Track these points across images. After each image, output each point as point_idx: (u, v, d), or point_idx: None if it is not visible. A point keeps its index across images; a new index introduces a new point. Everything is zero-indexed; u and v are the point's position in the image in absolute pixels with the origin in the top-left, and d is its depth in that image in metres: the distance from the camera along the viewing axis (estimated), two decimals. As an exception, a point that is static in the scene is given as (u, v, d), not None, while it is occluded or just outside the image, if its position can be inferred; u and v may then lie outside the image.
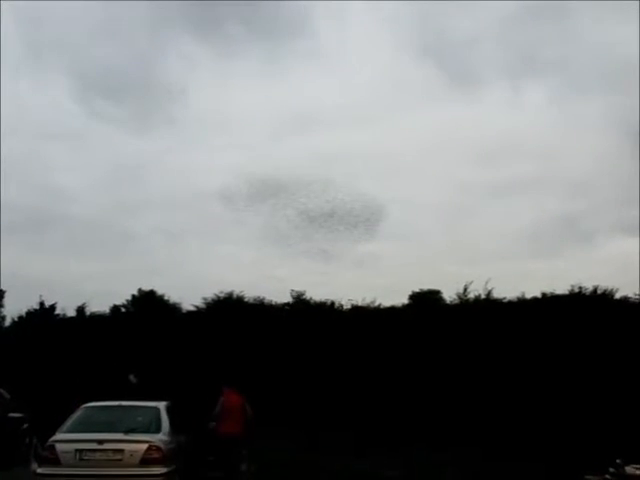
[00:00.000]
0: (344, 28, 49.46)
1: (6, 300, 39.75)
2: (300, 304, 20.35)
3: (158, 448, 9.53)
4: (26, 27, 52.01)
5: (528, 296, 17.55)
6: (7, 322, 31.28)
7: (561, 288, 17.22)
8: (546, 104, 46.22)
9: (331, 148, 45.52)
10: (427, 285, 20.69)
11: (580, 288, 17.10)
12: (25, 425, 15.55)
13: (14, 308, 36.88)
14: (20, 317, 25.08)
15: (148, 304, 23.16)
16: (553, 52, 46.63)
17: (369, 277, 35.65)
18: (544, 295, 17.27)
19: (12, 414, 14.90)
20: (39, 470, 9.52)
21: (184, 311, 22.09)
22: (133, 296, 25.10)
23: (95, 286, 40.02)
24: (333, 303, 20.09)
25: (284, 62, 51.68)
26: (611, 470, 9.45)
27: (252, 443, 11.76)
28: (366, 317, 18.77)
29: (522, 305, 17.33)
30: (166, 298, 23.22)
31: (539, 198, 43.98)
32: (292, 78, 51.15)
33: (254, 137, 48.89)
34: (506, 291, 17.87)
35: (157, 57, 53.02)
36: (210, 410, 11.63)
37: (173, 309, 22.43)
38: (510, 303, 17.62)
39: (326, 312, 19.77)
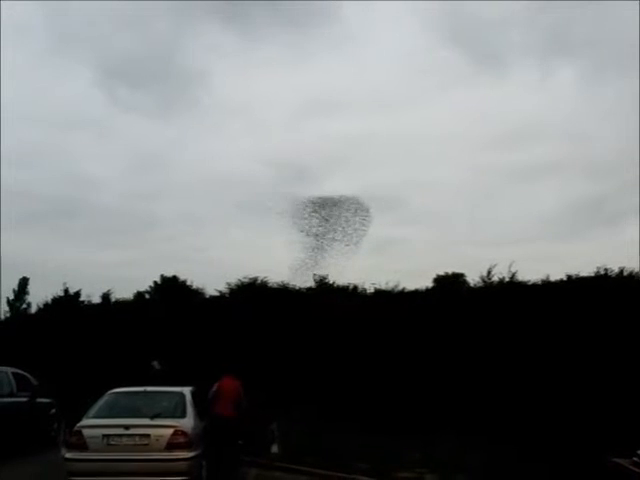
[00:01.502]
0: (369, 13, 49.17)
1: (30, 287, 40.40)
2: (323, 288, 20.35)
3: (184, 433, 9.62)
4: (51, 18, 52.39)
5: (553, 279, 17.38)
6: (33, 309, 31.77)
7: (587, 270, 17.05)
8: (574, 85, 45.72)
9: (354, 133, 45.55)
10: (451, 268, 20.61)
11: (606, 270, 16.90)
12: (53, 410, 15.78)
13: (39, 295, 37.43)
14: (46, 304, 25.36)
15: (171, 290, 23.29)
16: (582, 33, 45.97)
17: (392, 261, 35.68)
18: (569, 277, 17.09)
19: (40, 399, 15.11)
20: (67, 455, 9.63)
21: (207, 296, 22.19)
22: (155, 282, 25.28)
23: (119, 272, 40.54)
24: (356, 287, 20.07)
25: (308, 48, 51.69)
26: (639, 452, 9.34)
27: (246, 426, 11.86)
28: (390, 301, 18.71)
29: (547, 288, 17.15)
30: (189, 284, 23.35)
31: (565, 180, 43.68)
32: (316, 63, 51.20)
33: (277, 122, 49.00)
34: (531, 274, 17.74)
35: (181, 44, 53.23)
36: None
37: (196, 294, 22.53)
38: (535, 286, 17.44)
39: (349, 296, 19.75)
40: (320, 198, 22.96)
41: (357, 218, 22.54)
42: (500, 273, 17.95)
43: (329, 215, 22.69)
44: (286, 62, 51.96)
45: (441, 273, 20.13)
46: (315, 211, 22.68)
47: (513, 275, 17.77)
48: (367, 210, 22.83)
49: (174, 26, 53.61)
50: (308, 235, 22.46)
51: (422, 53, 49.38)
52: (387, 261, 36.71)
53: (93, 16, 52.08)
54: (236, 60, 54.12)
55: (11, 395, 14.03)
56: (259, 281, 21.03)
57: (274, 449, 13.27)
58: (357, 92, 51.07)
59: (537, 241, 39.72)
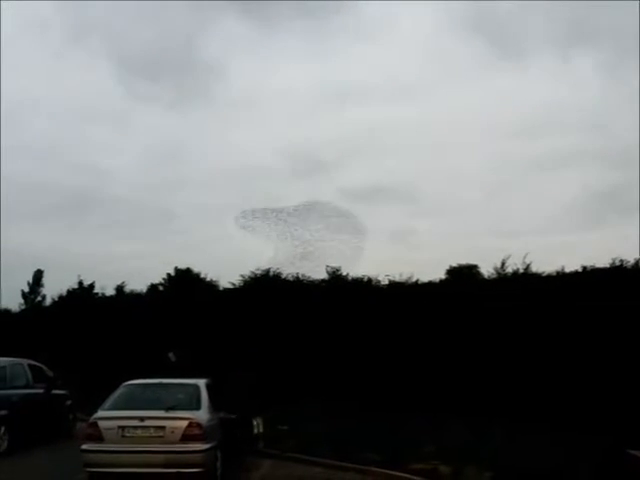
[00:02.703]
0: (388, 2, 48.80)
1: (45, 279, 40.60)
2: (337, 280, 20.34)
3: (199, 425, 9.64)
4: (68, 11, 52.49)
5: (569, 270, 17.26)
6: (47, 301, 32.01)
7: (602, 261, 16.90)
8: (594, 74, 45.19)
9: (370, 123, 45.40)
10: (465, 260, 20.55)
11: (621, 261, 16.75)
12: (68, 402, 15.89)
13: (54, 287, 37.65)
14: (60, 296, 25.55)
15: (185, 282, 23.38)
16: (603, 22, 45.38)
17: (406, 252, 35.59)
18: (584, 268, 16.95)
19: (56, 391, 15.22)
20: (83, 446, 9.70)
21: (221, 289, 22.24)
22: (169, 275, 25.39)
23: (133, 265, 40.70)
24: (370, 279, 20.03)
25: (326, 38, 51.44)
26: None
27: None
28: (403, 293, 18.66)
29: (561, 279, 17.03)
30: (202, 276, 23.41)
31: (582, 170, 43.33)
32: (335, 54, 51.03)
33: (295, 113, 49.06)
34: (546, 265, 17.63)
35: (199, 36, 53.18)
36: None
37: (210, 287, 22.59)
38: (549, 277, 17.33)
39: (363, 288, 19.72)
40: (338, 187, 23.07)
41: (376, 208, 22.59)
42: (514, 264, 17.88)
43: (347, 204, 22.76)
44: (303, 53, 51.93)
45: (455, 264, 20.06)
46: (333, 201, 22.77)
47: (527, 266, 17.67)
48: (387, 200, 22.85)
49: (191, 19, 53.68)
50: (325, 224, 22.52)
51: (442, 42, 49.12)
52: (401, 252, 36.66)
53: (111, 9, 52.17)
54: (253, 52, 54.15)
55: (27, 387, 14.15)
56: (271, 273, 21.06)
57: (259, 445, 13.20)
58: (375, 82, 51.01)
59: (554, 232, 39.51)
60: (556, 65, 47.64)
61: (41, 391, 14.55)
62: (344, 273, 20.41)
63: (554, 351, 15.30)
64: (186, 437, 9.51)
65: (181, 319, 19.81)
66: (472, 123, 46.22)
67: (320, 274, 20.63)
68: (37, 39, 55.60)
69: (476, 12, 49.23)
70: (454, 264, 20.15)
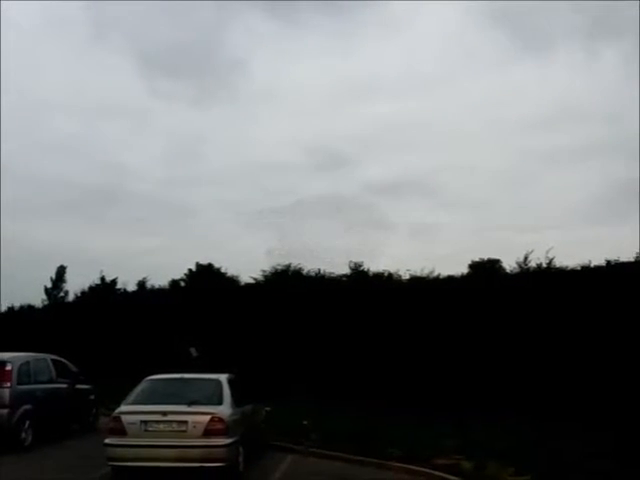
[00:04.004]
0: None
1: (68, 275, 40.91)
2: (358, 275, 20.30)
3: (221, 419, 9.65)
4: (91, 9, 52.74)
5: (594, 264, 17.00)
6: (70, 297, 32.27)
7: (627, 255, 16.65)
8: (618, 67, 44.49)
9: (391, 117, 45.22)
10: (486, 254, 20.37)
11: (646, 255, 16.49)
12: (92, 396, 16.01)
13: (76, 283, 37.93)
14: (83, 292, 25.73)
15: (206, 277, 23.43)
16: (628, 13, 44.65)
17: (428, 247, 35.40)
18: (608, 263, 16.72)
19: (79, 386, 15.33)
20: (107, 440, 9.76)
21: (242, 284, 22.28)
22: (190, 270, 25.43)
23: (155, 260, 40.88)
24: (391, 274, 19.96)
25: (348, 34, 51.15)
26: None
27: None
28: (425, 287, 18.57)
29: (585, 274, 16.83)
30: (223, 271, 23.44)
31: (605, 163, 42.78)
32: (356, 49, 50.68)
33: (316, 109, 48.93)
34: (570, 259, 17.40)
35: (221, 33, 53.23)
36: None
37: (231, 282, 22.63)
38: (573, 271, 17.13)
39: (384, 283, 19.66)
40: (359, 182, 22.99)
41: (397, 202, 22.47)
42: (537, 259, 17.70)
43: (368, 199, 22.70)
44: (325, 49, 51.77)
45: (476, 259, 19.87)
46: (354, 196, 22.72)
47: (550, 261, 17.48)
48: (407, 194, 22.76)
49: (213, 16, 53.83)
50: (346, 219, 22.49)
51: (462, 36, 48.65)
52: (422, 246, 36.49)
53: (133, 6, 52.41)
54: (275, 48, 54.18)
55: (51, 382, 14.25)
56: (292, 268, 21.06)
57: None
58: (397, 76, 50.79)
59: (576, 226, 39.07)
60: (578, 57, 47.13)
61: (65, 386, 14.65)
62: (365, 268, 20.39)
63: (578, 344, 15.18)
64: (208, 432, 9.53)
65: (202, 314, 19.87)
66: (492, 116, 45.92)
67: (341, 269, 20.64)
68: (60, 37, 56.01)
69: (497, 7, 48.78)
70: (476, 258, 19.96)
